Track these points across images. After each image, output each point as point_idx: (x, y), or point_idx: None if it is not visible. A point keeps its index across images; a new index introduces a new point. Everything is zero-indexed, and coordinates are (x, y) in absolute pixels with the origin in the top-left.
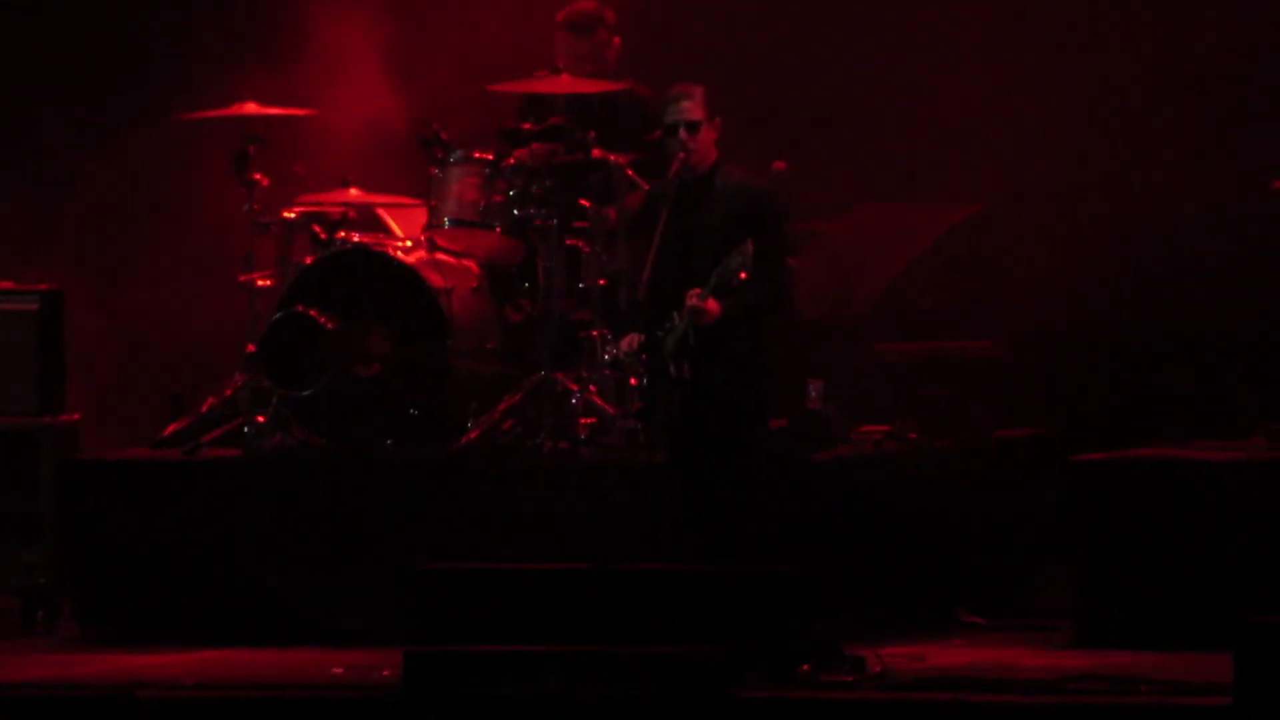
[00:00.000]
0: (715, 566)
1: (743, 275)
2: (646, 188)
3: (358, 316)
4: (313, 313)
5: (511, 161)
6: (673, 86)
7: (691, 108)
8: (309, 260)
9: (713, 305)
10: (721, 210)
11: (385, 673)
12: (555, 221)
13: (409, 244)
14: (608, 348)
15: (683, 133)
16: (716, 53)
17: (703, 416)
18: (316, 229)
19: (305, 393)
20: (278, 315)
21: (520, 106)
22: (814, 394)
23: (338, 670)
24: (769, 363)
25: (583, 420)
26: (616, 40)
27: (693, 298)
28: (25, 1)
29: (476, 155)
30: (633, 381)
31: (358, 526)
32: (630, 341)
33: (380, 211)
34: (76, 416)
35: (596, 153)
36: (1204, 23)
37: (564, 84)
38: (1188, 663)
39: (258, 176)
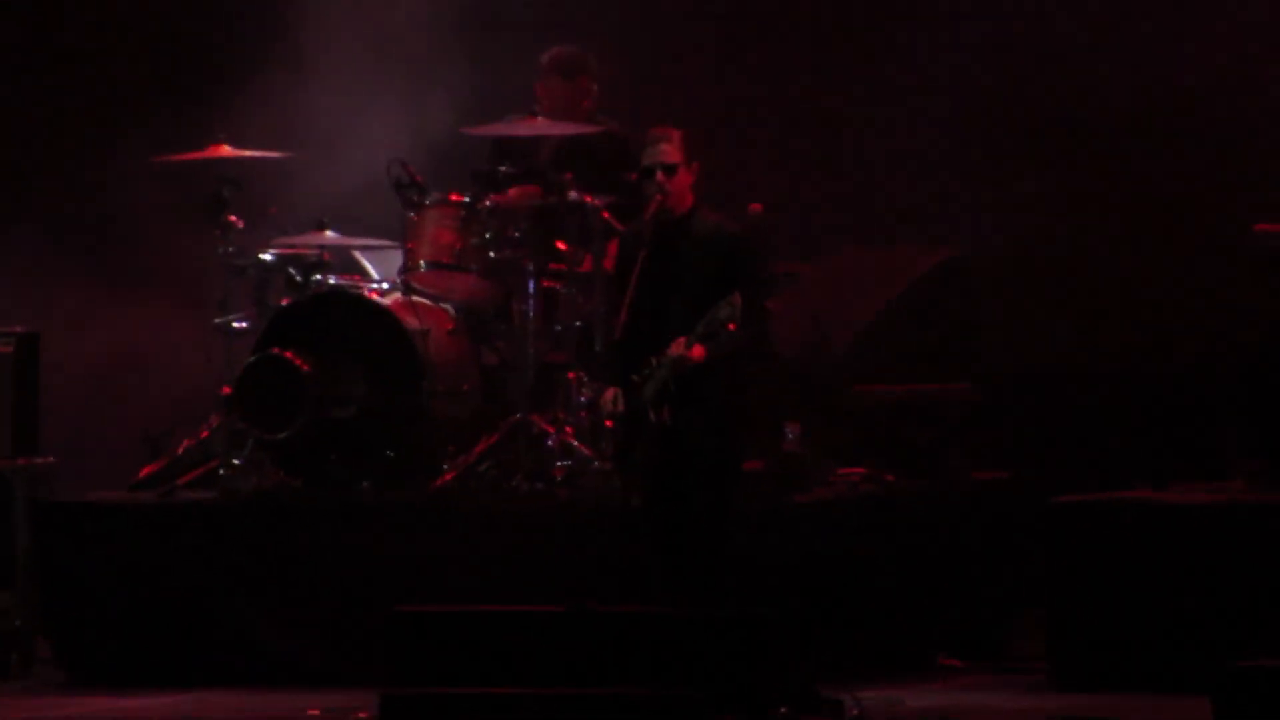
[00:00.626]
0: (691, 610)
1: (731, 326)
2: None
3: (334, 359)
4: (289, 355)
5: (487, 204)
6: (651, 130)
7: (669, 150)
8: (285, 302)
9: (698, 353)
10: (698, 254)
11: (361, 715)
12: (531, 264)
13: (385, 286)
14: (583, 390)
15: (659, 175)
16: (694, 96)
17: (678, 461)
18: (292, 271)
19: (281, 435)
20: (254, 357)
21: (491, 150)
22: (791, 436)
23: (314, 712)
24: (744, 407)
25: (559, 462)
26: (594, 88)
27: (678, 346)
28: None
29: (452, 198)
30: (608, 424)
31: (334, 568)
32: (614, 398)
33: (356, 254)
34: (51, 459)
35: (573, 195)
36: (1183, 65)
37: (538, 126)
38: (1164, 706)
39: (233, 219)
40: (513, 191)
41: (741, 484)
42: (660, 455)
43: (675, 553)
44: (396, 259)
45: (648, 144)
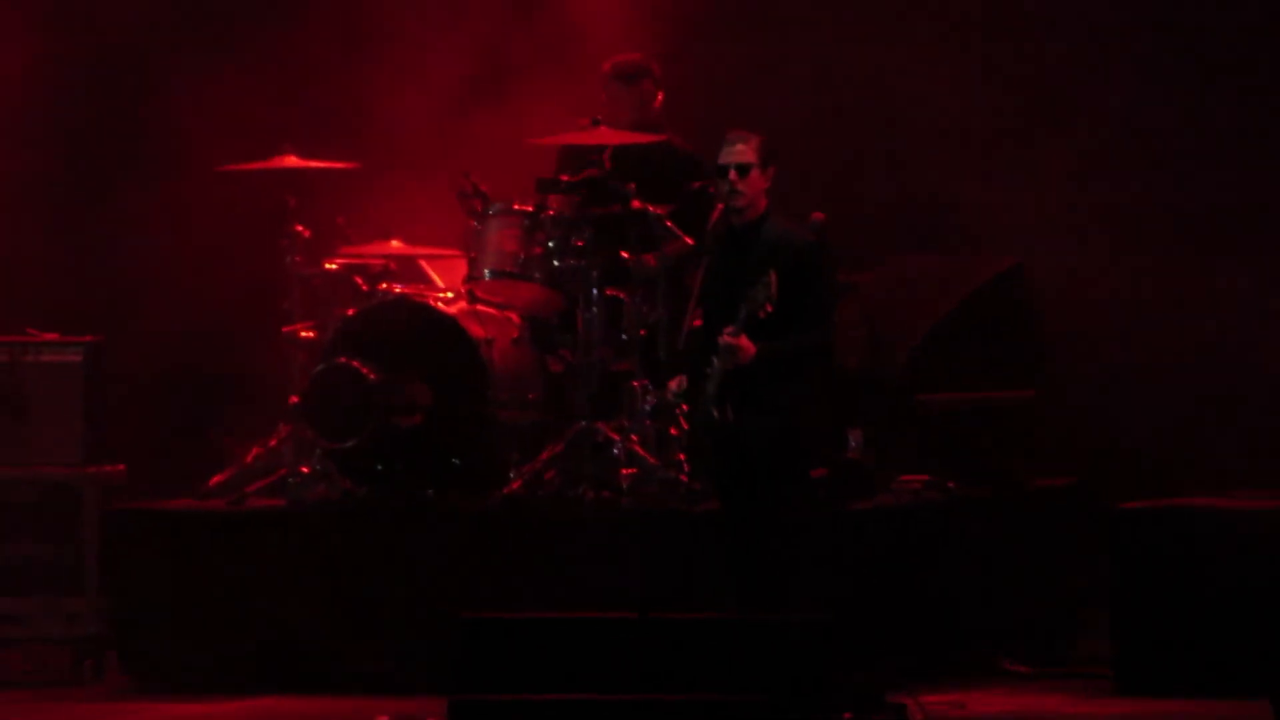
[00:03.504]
0: (756, 616)
1: (769, 308)
2: (686, 239)
3: (400, 367)
4: (355, 364)
5: (551, 213)
6: (729, 131)
7: (745, 151)
8: (351, 312)
9: (746, 343)
10: (767, 259)
11: None
12: (595, 273)
13: (450, 295)
14: (648, 398)
15: (732, 174)
16: (755, 107)
17: (745, 463)
18: (358, 280)
19: (348, 443)
20: (320, 366)
21: (559, 159)
22: (854, 444)
23: (382, 718)
24: (813, 411)
25: (624, 470)
26: (660, 94)
27: (725, 335)
28: (69, 50)
29: (516, 207)
30: (673, 431)
31: (400, 576)
32: (679, 382)
33: (421, 263)
34: (121, 467)
35: (636, 204)
36: (1241, 62)
37: (602, 135)
38: (1227, 710)
39: (299, 228)
40: (552, 199)
41: (808, 489)
42: (723, 455)
43: (741, 555)
44: (461, 268)
45: (725, 144)
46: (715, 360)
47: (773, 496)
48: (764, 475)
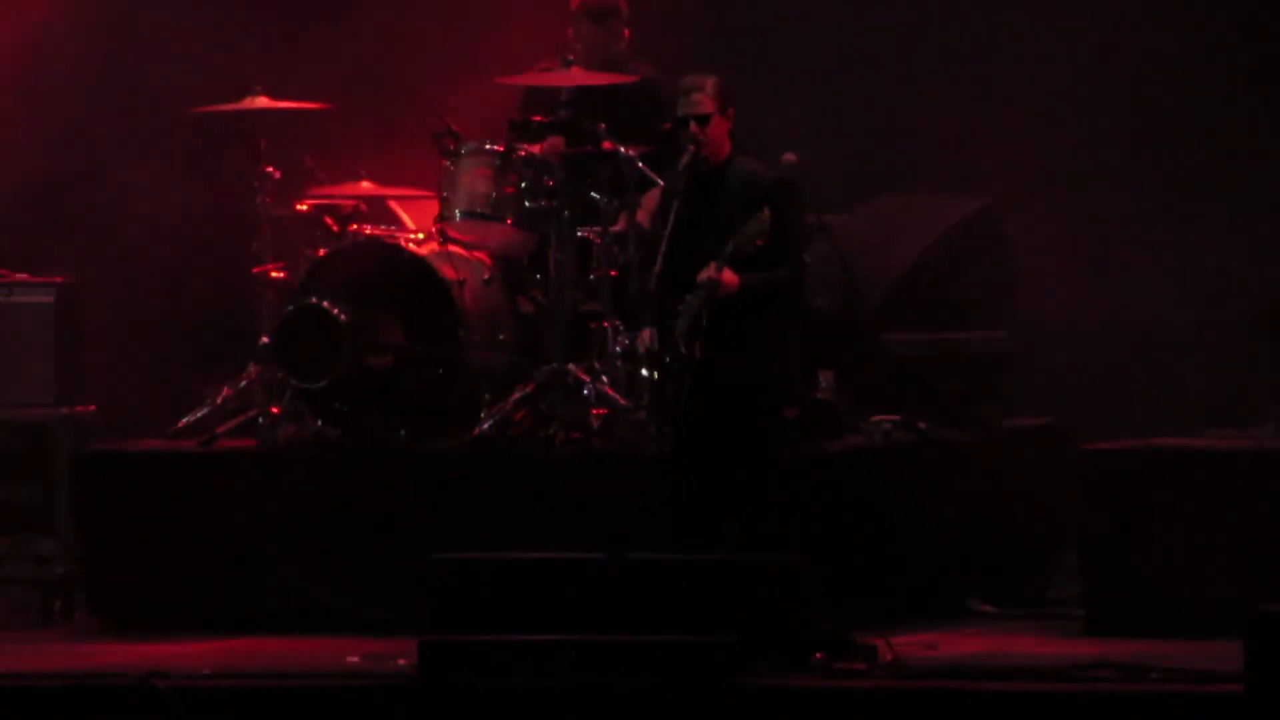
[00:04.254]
0: (727, 557)
1: (759, 243)
2: (660, 181)
3: (371, 308)
4: (326, 304)
5: (522, 154)
6: (683, 77)
7: (702, 100)
8: (322, 253)
9: (729, 276)
10: (735, 200)
11: (400, 662)
12: (566, 213)
13: (421, 236)
14: (619, 339)
15: (693, 126)
16: (728, 43)
17: (717, 402)
18: (329, 221)
19: (319, 384)
20: (291, 307)
21: (523, 99)
22: (824, 384)
23: (353, 659)
24: (787, 351)
25: (594, 411)
26: (627, 32)
27: (709, 270)
28: None
29: (487, 147)
30: (644, 372)
31: (372, 517)
32: (650, 337)
33: (392, 204)
34: (92, 408)
35: (607, 145)
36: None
37: (574, 76)
38: (1198, 651)
39: (269, 169)
40: (542, 145)
41: (782, 427)
42: (692, 392)
43: (700, 497)
44: (432, 209)
45: (680, 93)
46: (687, 298)
47: (745, 435)
48: (736, 413)
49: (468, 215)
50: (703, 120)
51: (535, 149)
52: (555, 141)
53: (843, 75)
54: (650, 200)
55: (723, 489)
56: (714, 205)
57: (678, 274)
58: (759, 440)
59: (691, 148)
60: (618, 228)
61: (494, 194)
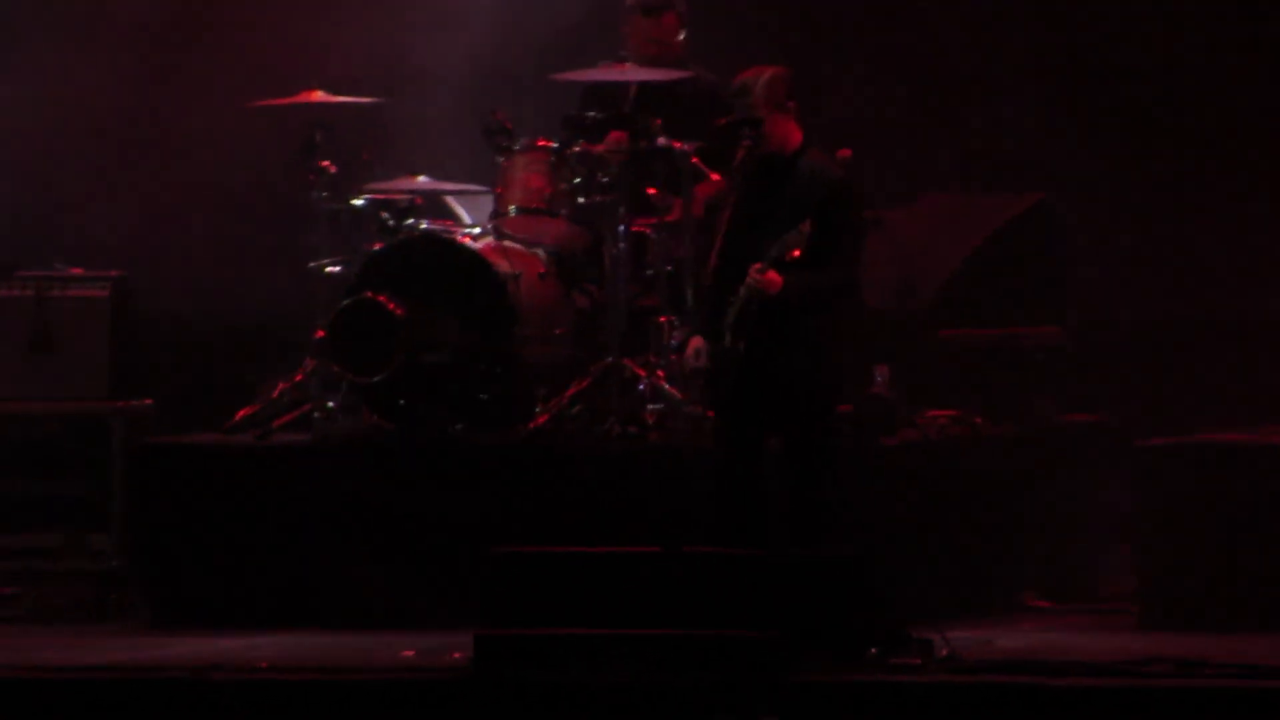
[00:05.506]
0: (782, 551)
1: (795, 253)
2: (714, 176)
3: (426, 303)
4: (382, 299)
5: (577, 150)
6: (737, 78)
7: (752, 105)
8: (378, 247)
9: (774, 276)
10: (796, 195)
11: (456, 655)
12: (621, 208)
13: (476, 231)
14: (675, 333)
15: (747, 131)
16: (782, 41)
17: (764, 399)
18: (385, 216)
19: (375, 378)
20: (347, 301)
21: (582, 95)
22: (880, 380)
23: (408, 653)
24: (840, 348)
25: (650, 405)
26: (683, 29)
27: (754, 270)
28: None
29: (541, 143)
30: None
31: (427, 511)
32: (695, 352)
33: (447, 199)
34: (148, 401)
35: (662, 140)
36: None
37: (629, 72)
38: (1252, 646)
39: (326, 164)
40: (605, 141)
41: (834, 424)
42: (736, 388)
43: (739, 491)
44: (488, 204)
45: (733, 94)
46: (741, 290)
47: (796, 433)
48: (785, 411)
49: (523, 211)
50: (755, 124)
51: (597, 147)
52: (619, 136)
53: (899, 69)
54: (703, 192)
55: (762, 484)
56: (776, 197)
57: (737, 261)
58: (810, 438)
59: (746, 143)
60: (673, 220)
61: (549, 190)
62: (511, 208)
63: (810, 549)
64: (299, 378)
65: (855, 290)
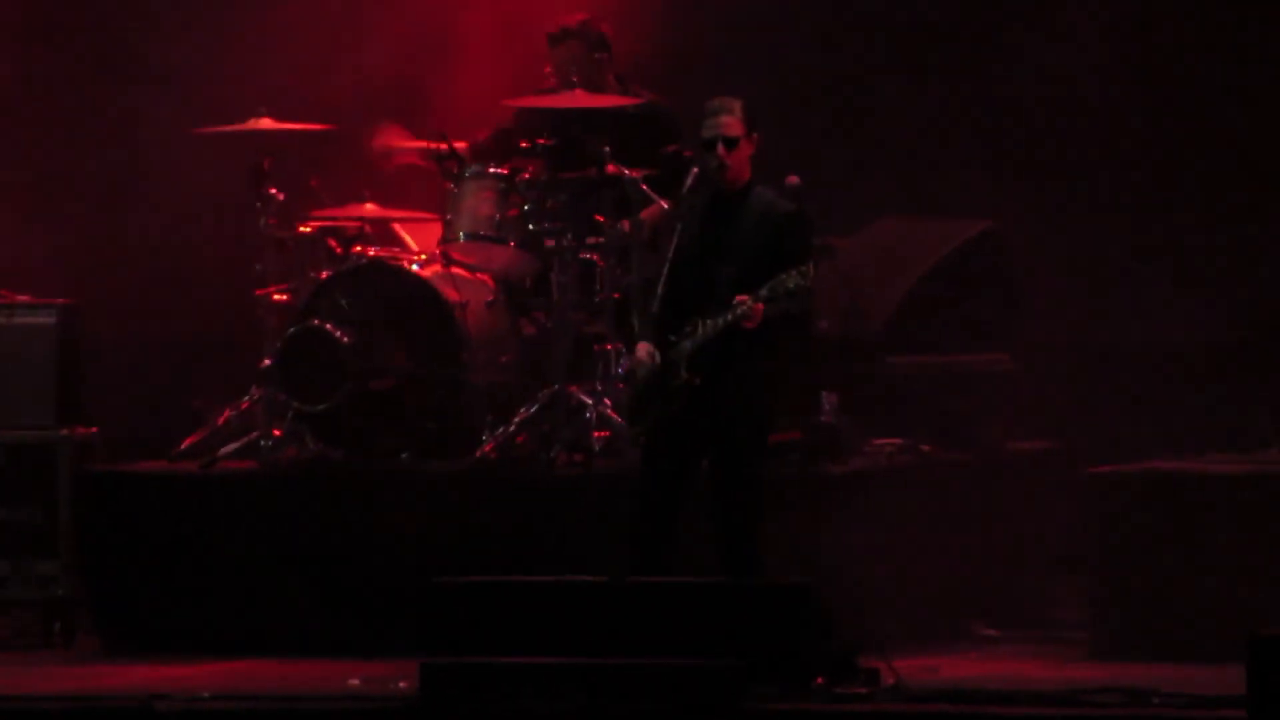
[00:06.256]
0: (729, 580)
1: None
2: (663, 203)
3: (374, 331)
4: (328, 327)
5: (526, 176)
6: (711, 100)
7: (731, 123)
8: (325, 274)
9: (760, 309)
10: (750, 228)
11: (402, 684)
12: (569, 236)
13: (424, 258)
14: (621, 361)
15: (720, 148)
16: (729, 66)
17: (703, 422)
18: (332, 243)
19: (321, 406)
20: (293, 329)
21: (521, 121)
22: (827, 407)
23: (354, 682)
24: (781, 376)
25: (596, 433)
26: (596, 53)
27: (744, 299)
28: (38, 13)
29: (490, 170)
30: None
31: (373, 539)
32: (650, 352)
33: (395, 226)
34: (94, 429)
35: (611, 167)
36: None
37: (577, 98)
38: (1201, 675)
39: (273, 191)
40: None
41: (768, 453)
42: (683, 416)
43: (664, 515)
44: (436, 231)
45: (707, 114)
46: (698, 323)
47: (729, 458)
48: (721, 433)
49: (471, 237)
50: (731, 143)
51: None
52: (533, 163)
53: (845, 96)
54: (650, 217)
55: (677, 509)
56: (730, 229)
57: (687, 292)
58: (742, 464)
59: (695, 170)
60: (621, 247)
61: (497, 216)
62: (460, 234)
63: (754, 577)
64: (245, 406)
65: (806, 320)
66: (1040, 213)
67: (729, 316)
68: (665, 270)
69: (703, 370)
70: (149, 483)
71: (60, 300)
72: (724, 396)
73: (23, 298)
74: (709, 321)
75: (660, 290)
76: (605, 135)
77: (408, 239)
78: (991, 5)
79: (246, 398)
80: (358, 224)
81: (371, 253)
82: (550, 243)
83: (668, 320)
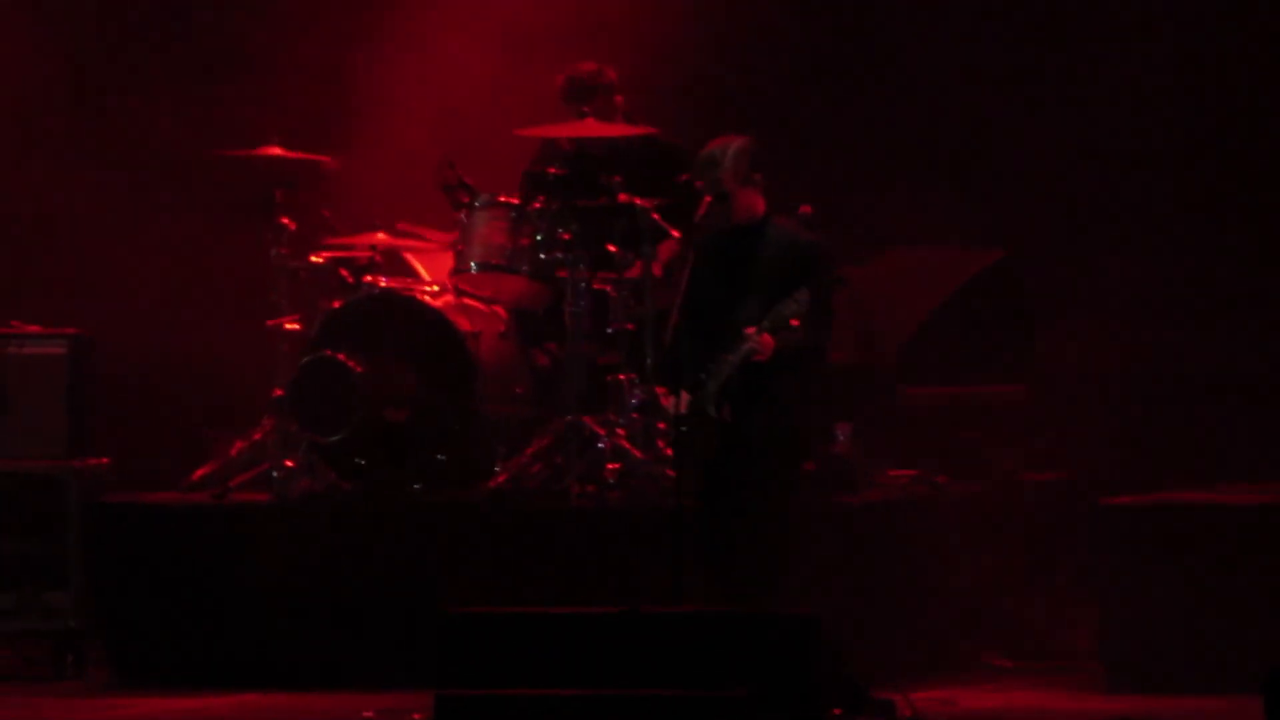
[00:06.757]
0: (744, 611)
1: (794, 322)
2: (674, 233)
3: (386, 361)
4: (341, 357)
5: (538, 206)
6: (705, 148)
7: (720, 179)
8: (337, 305)
9: (769, 340)
10: (770, 259)
11: (416, 716)
12: (582, 266)
13: (436, 288)
14: (635, 392)
15: (715, 206)
16: (742, 98)
17: (740, 457)
18: (344, 273)
19: (333, 437)
20: (306, 360)
21: (538, 152)
22: (841, 438)
23: (368, 714)
24: (809, 407)
25: (610, 464)
26: (619, 99)
27: (750, 334)
28: (47, 41)
29: (502, 199)
30: (661, 425)
31: (386, 570)
32: (676, 403)
33: (407, 256)
34: (105, 460)
35: (623, 197)
36: (1234, 71)
37: (589, 127)
38: (1215, 706)
39: (285, 221)
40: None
41: (800, 481)
42: (721, 452)
43: (727, 551)
44: (448, 261)
45: (700, 165)
46: (721, 359)
47: (760, 486)
48: (755, 464)
49: (483, 267)
50: (721, 198)
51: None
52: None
53: (859, 125)
54: (665, 251)
55: (743, 542)
56: (749, 263)
57: (711, 327)
58: (772, 492)
59: (708, 199)
60: (634, 277)
61: (509, 246)
62: (471, 264)
63: (769, 608)
64: (258, 436)
65: (827, 351)
66: (1054, 243)
67: (741, 350)
68: (678, 312)
69: (730, 404)
70: (160, 514)
71: (71, 330)
72: (752, 429)
73: (33, 328)
74: (728, 357)
75: (674, 321)
76: (616, 166)
77: (420, 269)
78: (1007, 33)
79: (259, 428)
80: (369, 254)
81: (384, 283)
82: (563, 273)
83: (699, 351)
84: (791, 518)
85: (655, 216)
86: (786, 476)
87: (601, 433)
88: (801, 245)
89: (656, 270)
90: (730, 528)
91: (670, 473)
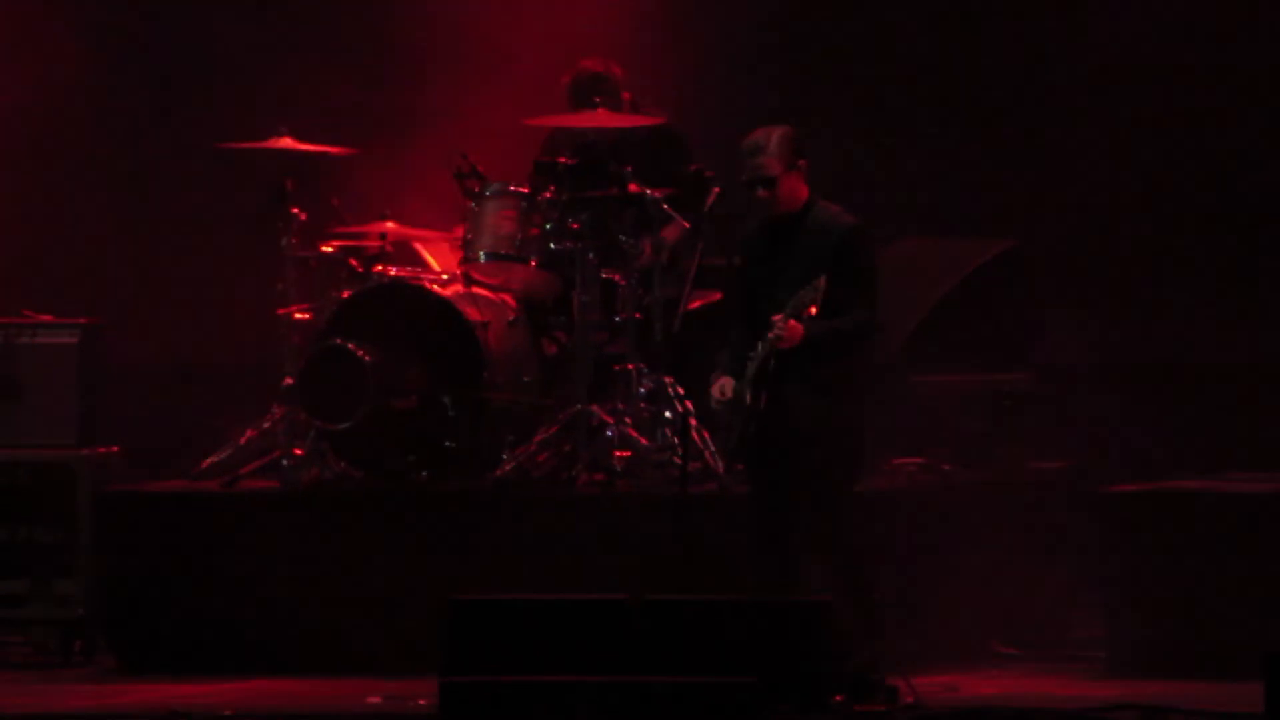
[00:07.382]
0: (750, 597)
1: (812, 310)
2: (683, 222)
3: (395, 350)
4: (350, 346)
5: (548, 195)
6: (748, 137)
7: (767, 163)
8: (346, 294)
9: (796, 327)
10: (809, 245)
11: (421, 702)
12: (591, 255)
13: (445, 277)
14: (643, 381)
15: (761, 191)
16: (750, 88)
17: (787, 444)
18: (353, 263)
19: (343, 425)
20: (315, 348)
21: (547, 141)
22: None
23: (374, 700)
24: (857, 392)
25: (618, 453)
26: (627, 95)
27: (776, 322)
28: (65, 32)
29: (512, 189)
30: (667, 414)
31: (394, 558)
32: (721, 387)
33: (417, 245)
34: (115, 449)
35: (633, 187)
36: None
37: (599, 118)
38: (1219, 692)
39: (295, 210)
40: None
41: (855, 470)
42: (761, 438)
43: (776, 539)
44: (457, 250)
45: (742, 155)
46: (758, 346)
47: (816, 478)
48: (806, 456)
49: (492, 256)
50: (769, 183)
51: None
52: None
53: (871, 117)
54: (672, 238)
55: (795, 530)
56: (791, 251)
57: (758, 314)
58: (829, 483)
59: (716, 190)
60: (643, 266)
61: (518, 235)
62: (481, 253)
63: (850, 593)
64: (267, 425)
65: (874, 332)
66: (1061, 232)
67: (768, 339)
68: (687, 289)
69: (765, 391)
70: (170, 502)
71: (82, 320)
72: (793, 417)
73: (45, 317)
74: (762, 345)
75: (682, 309)
76: (625, 156)
77: (429, 258)
78: (1018, 16)
79: (268, 417)
80: (379, 243)
81: (393, 272)
82: (572, 262)
83: (748, 339)
84: (850, 505)
85: (665, 206)
86: (838, 464)
87: (610, 421)
88: (837, 229)
89: (665, 258)
90: (776, 515)
91: (677, 460)
